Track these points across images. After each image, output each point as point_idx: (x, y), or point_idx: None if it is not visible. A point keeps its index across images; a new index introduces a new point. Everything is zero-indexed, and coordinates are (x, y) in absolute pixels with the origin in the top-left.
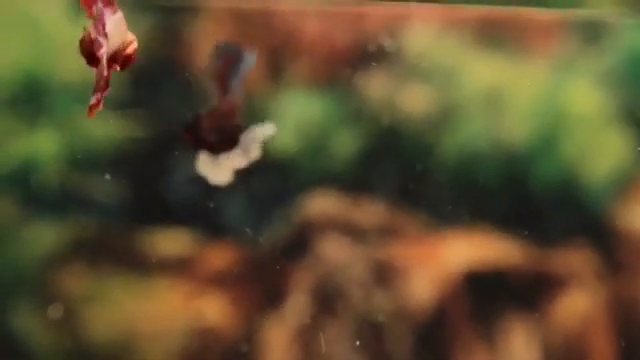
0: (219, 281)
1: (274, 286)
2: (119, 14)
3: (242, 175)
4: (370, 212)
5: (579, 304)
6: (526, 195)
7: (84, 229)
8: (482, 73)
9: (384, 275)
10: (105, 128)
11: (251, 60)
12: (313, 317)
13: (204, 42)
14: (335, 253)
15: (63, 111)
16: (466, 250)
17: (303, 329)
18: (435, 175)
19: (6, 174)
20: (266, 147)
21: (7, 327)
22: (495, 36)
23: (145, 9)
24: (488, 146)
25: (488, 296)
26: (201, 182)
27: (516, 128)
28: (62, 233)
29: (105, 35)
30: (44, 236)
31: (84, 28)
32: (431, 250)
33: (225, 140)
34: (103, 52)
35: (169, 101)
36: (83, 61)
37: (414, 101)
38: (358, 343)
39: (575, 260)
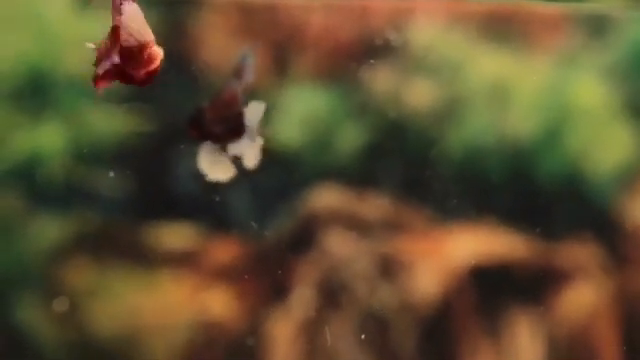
0: (224, 275)
1: (279, 280)
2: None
3: (247, 169)
4: (375, 206)
5: (585, 298)
6: (532, 189)
7: (89, 223)
8: (487, 67)
9: (389, 269)
10: (110, 122)
11: (250, 60)
12: (318, 311)
13: (209, 36)
14: (340, 247)
15: (68, 105)
16: (471, 244)
17: (308, 323)
18: (440, 169)
19: (10, 168)
20: (271, 141)
21: (12, 321)
22: (500, 30)
23: (150, 2)
24: (493, 140)
25: (493, 290)
26: (206, 176)
27: (521, 122)
28: (67, 227)
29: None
30: (49, 230)
31: (95, 44)
32: (436, 244)
33: (231, 129)
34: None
35: (175, 95)
36: (88, 55)
37: (419, 95)
38: (363, 337)
39: (581, 254)
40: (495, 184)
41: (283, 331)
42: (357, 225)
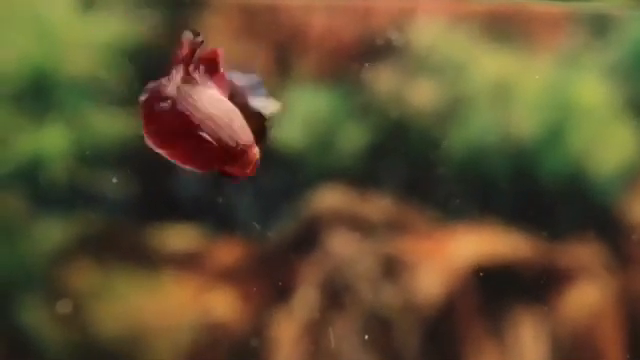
0: (228, 276)
1: (283, 281)
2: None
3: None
4: (378, 206)
5: (588, 297)
6: (534, 189)
7: (93, 225)
8: (490, 67)
9: (392, 269)
10: (113, 124)
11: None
12: (322, 311)
13: (212, 37)
14: (343, 248)
15: (71, 107)
16: (475, 244)
17: (312, 323)
18: (443, 169)
19: (14, 170)
20: (274, 142)
21: (16, 322)
22: (502, 30)
23: (153, 4)
24: (496, 140)
25: (497, 290)
26: (209, 177)
27: (524, 121)
28: (70, 229)
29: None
30: (52, 232)
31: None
32: (439, 244)
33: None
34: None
35: None
36: (91, 57)
37: (422, 95)
38: (367, 337)
39: (584, 253)
40: (498, 184)
41: (287, 332)
42: (360, 226)
